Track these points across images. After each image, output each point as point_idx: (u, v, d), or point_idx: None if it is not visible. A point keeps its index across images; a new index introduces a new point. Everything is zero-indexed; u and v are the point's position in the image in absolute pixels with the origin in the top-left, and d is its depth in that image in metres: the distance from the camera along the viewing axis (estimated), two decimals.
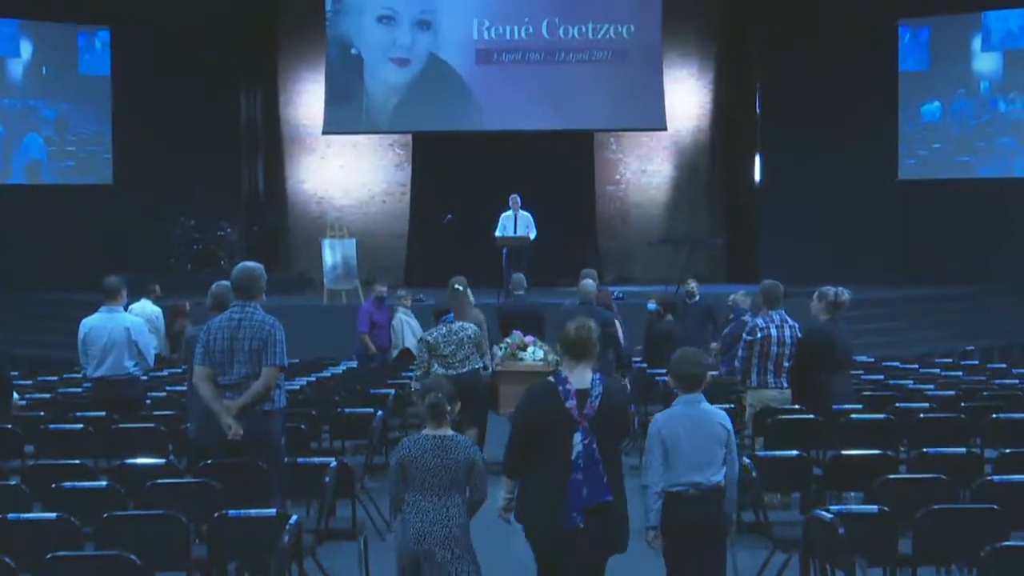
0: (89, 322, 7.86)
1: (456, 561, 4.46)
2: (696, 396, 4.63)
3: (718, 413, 4.66)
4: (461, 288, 8.87)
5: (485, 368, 8.28)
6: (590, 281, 9.46)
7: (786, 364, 7.26)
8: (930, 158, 18.07)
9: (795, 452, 5.91)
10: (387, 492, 4.93)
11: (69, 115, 17.92)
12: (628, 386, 9.22)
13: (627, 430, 4.62)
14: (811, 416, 6.90)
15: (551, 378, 4.38)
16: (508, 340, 9.06)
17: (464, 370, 7.94)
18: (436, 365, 7.91)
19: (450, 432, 4.59)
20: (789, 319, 7.38)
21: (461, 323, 8.25)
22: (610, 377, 4.67)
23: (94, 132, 17.95)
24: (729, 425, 4.62)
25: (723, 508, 4.54)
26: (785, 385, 7.29)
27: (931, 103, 18.21)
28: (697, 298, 11.73)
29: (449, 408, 4.60)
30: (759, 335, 7.28)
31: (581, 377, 4.31)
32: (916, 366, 11.18)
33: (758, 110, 18.55)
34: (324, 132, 19.06)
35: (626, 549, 4.38)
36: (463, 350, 8.05)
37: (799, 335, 7.33)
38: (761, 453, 6.16)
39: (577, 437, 4.20)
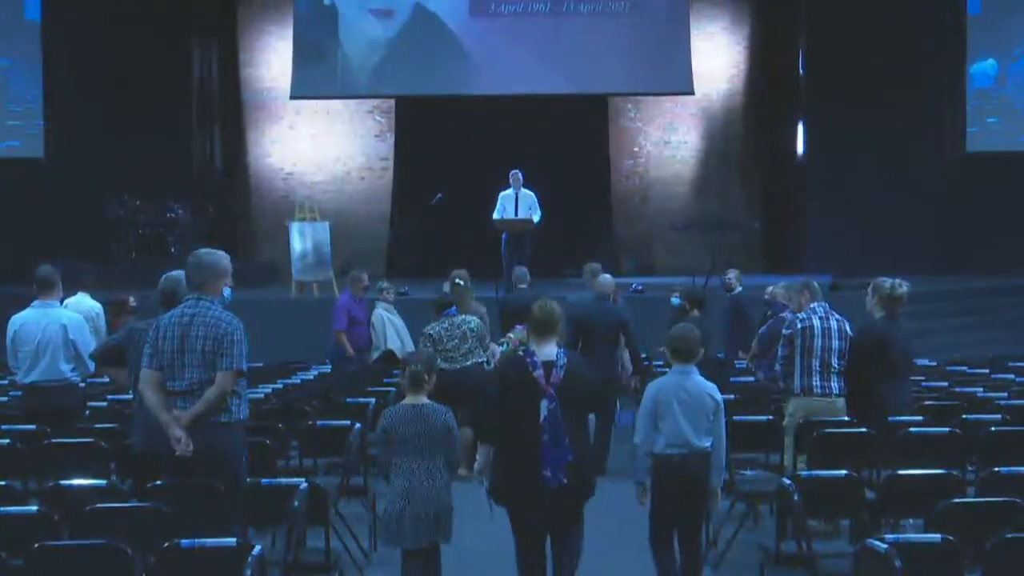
0: (19, 319, 7.85)
1: (436, 515, 5.75)
2: (689, 367, 5.85)
3: (708, 385, 5.84)
4: (463, 283, 9.78)
5: (488, 363, 9.02)
6: (608, 276, 10.15)
7: (835, 365, 7.24)
8: (980, 136, 17.81)
9: (844, 471, 5.91)
10: (376, 464, 6.25)
11: (11, 74, 17.58)
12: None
13: (596, 401, 5.73)
14: (863, 429, 6.91)
15: (520, 352, 5.69)
16: (511, 335, 9.36)
17: (467, 364, 8.94)
18: (439, 360, 8.38)
19: (427, 400, 5.88)
20: (836, 313, 7.39)
21: (464, 316, 9.29)
22: (575, 354, 5.83)
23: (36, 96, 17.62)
24: (718, 397, 5.81)
25: (708, 471, 5.75)
26: (834, 391, 7.27)
27: (984, 60, 17.78)
28: (737, 291, 11.74)
29: (427, 378, 5.90)
30: (799, 326, 7.29)
31: (547, 351, 5.54)
32: (986, 371, 11.19)
33: (801, 70, 18.53)
34: (292, 96, 19.05)
35: (593, 494, 5.56)
36: (466, 344, 9.06)
37: (849, 331, 7.33)
38: (804, 473, 6.17)
39: (544, 403, 5.40)
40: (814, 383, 7.29)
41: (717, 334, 11.52)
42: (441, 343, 9.01)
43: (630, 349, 9.56)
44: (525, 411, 5.40)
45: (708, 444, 5.73)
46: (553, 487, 5.35)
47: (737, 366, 10.96)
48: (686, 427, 5.71)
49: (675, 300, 11.49)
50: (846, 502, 5.93)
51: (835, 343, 7.27)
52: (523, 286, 11.30)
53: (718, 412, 5.77)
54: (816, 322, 7.29)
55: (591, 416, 6.38)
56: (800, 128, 18.63)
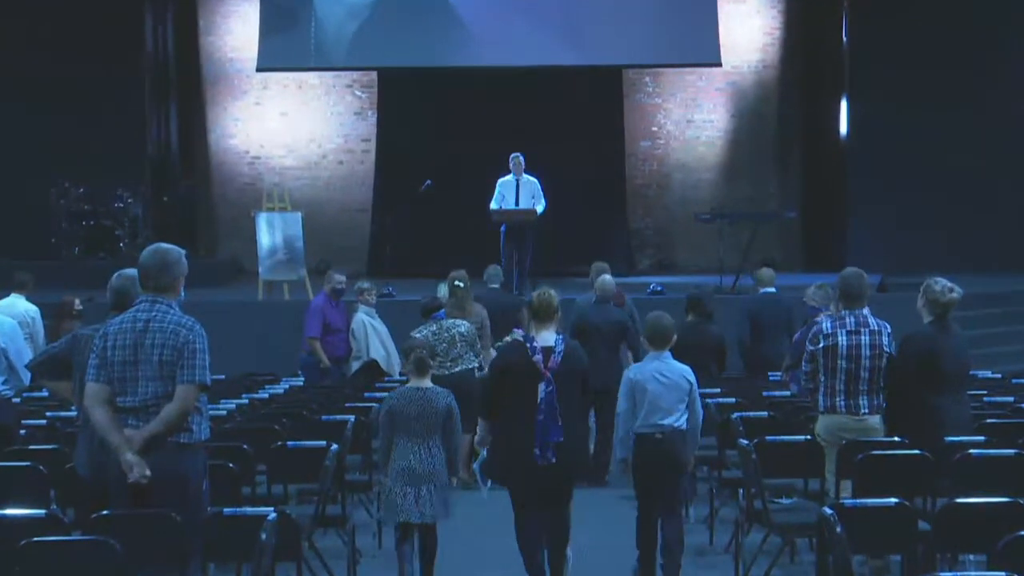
0: None
1: (434, 493, 6.96)
2: (665, 353, 7.22)
3: (683, 368, 7.20)
4: (463, 285, 10.52)
5: (480, 368, 9.72)
6: (608, 277, 10.87)
7: (864, 383, 7.26)
8: None
9: (894, 499, 5.92)
10: (375, 451, 7.52)
11: None
12: None
13: (586, 385, 6.99)
14: (916, 451, 6.92)
15: (520, 337, 7.00)
16: (508, 339, 9.60)
17: (456, 370, 9.74)
18: None
19: (429, 384, 7.19)
20: (874, 321, 7.36)
21: (453, 320, 10.08)
22: (572, 341, 7.21)
23: None
24: (692, 378, 7.18)
25: (685, 448, 7.14)
26: (864, 409, 7.29)
27: None
28: (763, 291, 11.71)
29: (431, 363, 7.42)
30: (821, 344, 7.31)
31: (546, 337, 6.87)
32: None
33: (845, 39, 18.54)
34: (259, 69, 19.06)
35: (581, 477, 7.10)
36: (455, 349, 9.88)
37: (886, 344, 7.31)
38: (848, 501, 6.17)
39: (542, 386, 6.69)
40: (838, 402, 7.30)
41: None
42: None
43: (632, 352, 10.23)
44: (524, 393, 6.69)
45: (684, 423, 7.10)
46: (541, 465, 6.64)
47: (770, 379, 10.97)
48: (662, 408, 7.06)
49: None
50: (897, 535, 5.94)
51: (864, 362, 7.25)
52: (495, 286, 11.95)
53: (693, 392, 7.15)
54: (842, 339, 7.28)
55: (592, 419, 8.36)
56: (843, 104, 18.63)
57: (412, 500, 6.95)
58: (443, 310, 10.25)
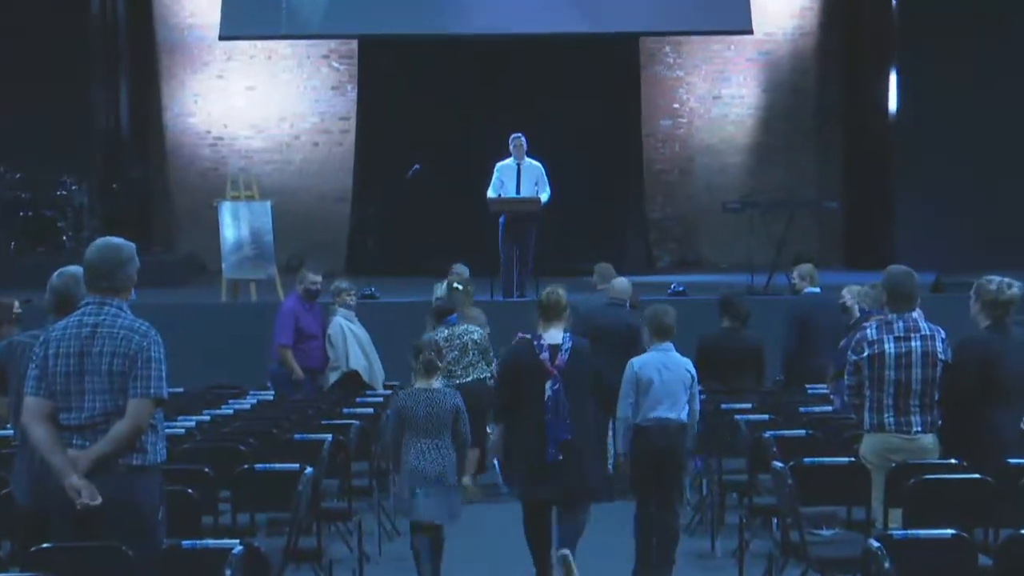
0: None
1: (444, 490, 7.85)
2: (667, 344, 8.29)
3: (685, 360, 8.33)
4: (461, 287, 11.11)
5: (492, 378, 10.05)
6: (624, 279, 11.43)
7: (916, 398, 7.26)
8: None
9: (950, 531, 5.93)
10: (383, 441, 8.67)
11: None
12: None
13: (596, 383, 7.94)
14: (975, 476, 6.92)
15: (528, 335, 7.90)
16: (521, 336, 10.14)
17: (467, 379, 10.26)
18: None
19: (437, 384, 8.12)
20: (925, 326, 7.36)
21: (466, 326, 10.65)
22: (580, 339, 8.00)
23: None
24: (693, 371, 8.30)
25: (684, 441, 8.18)
26: (916, 427, 7.30)
27: None
28: (807, 291, 11.70)
29: (440, 365, 8.27)
30: (866, 352, 7.31)
31: (553, 335, 7.83)
32: None
33: (894, 2, 18.55)
34: (222, 37, 19.05)
35: (605, 494, 8.33)
36: (467, 357, 10.48)
37: (941, 351, 7.32)
38: (898, 533, 6.18)
39: (548, 384, 7.63)
40: (886, 419, 7.30)
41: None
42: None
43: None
44: (532, 392, 7.64)
45: (684, 416, 8.16)
46: (551, 463, 7.55)
47: (809, 392, 10.97)
48: (663, 401, 8.10)
49: None
50: (953, 570, 5.94)
51: (916, 372, 7.25)
52: (458, 287, 11.71)
53: (693, 384, 8.26)
54: (889, 347, 7.28)
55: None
56: (892, 78, 18.63)
57: (421, 499, 7.82)
58: (455, 314, 10.73)
